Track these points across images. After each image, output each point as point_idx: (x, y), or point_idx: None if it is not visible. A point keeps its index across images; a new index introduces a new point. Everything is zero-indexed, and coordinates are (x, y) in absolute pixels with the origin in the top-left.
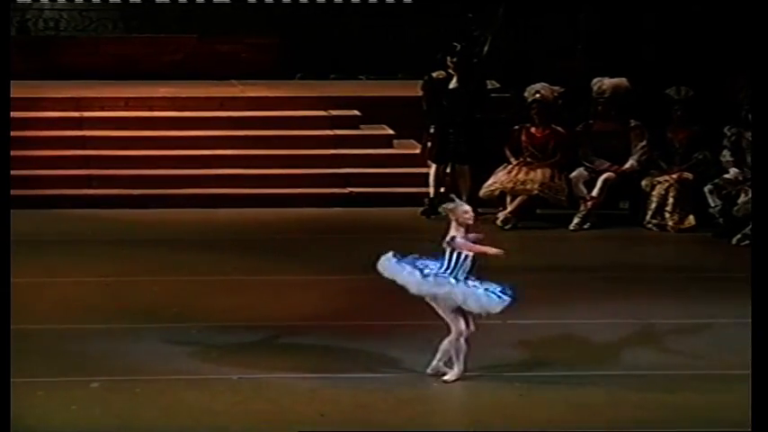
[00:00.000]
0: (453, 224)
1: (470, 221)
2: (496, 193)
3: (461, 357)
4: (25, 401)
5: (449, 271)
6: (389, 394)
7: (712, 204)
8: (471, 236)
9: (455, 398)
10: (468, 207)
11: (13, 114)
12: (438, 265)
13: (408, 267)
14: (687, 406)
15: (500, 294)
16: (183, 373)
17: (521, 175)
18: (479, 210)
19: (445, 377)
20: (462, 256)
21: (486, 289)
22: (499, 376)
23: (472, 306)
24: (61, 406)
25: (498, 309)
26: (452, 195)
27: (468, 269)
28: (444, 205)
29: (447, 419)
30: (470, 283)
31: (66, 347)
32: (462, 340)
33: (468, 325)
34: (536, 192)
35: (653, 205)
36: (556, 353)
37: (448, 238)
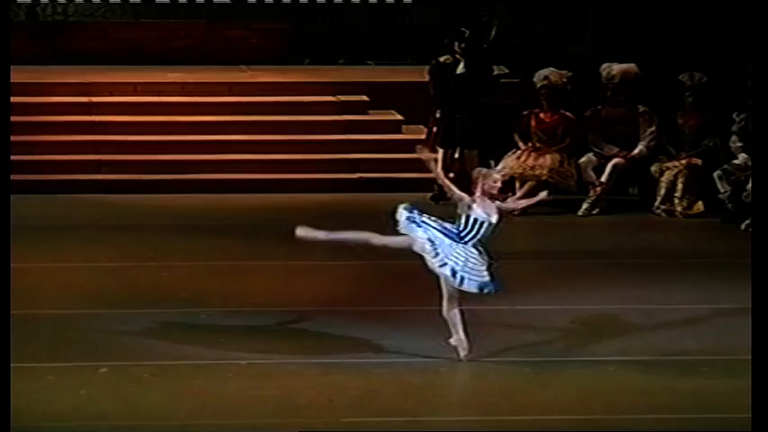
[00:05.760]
0: (478, 190)
1: (493, 191)
2: (506, 178)
3: (458, 326)
4: (34, 386)
5: (461, 231)
6: (397, 379)
7: (721, 190)
8: (505, 205)
9: (463, 382)
10: (498, 176)
11: (22, 99)
12: (455, 228)
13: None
14: (694, 391)
15: (472, 282)
16: (191, 358)
17: (530, 161)
18: None
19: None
20: (471, 220)
21: (453, 271)
22: (507, 361)
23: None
24: (70, 391)
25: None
26: (491, 161)
27: (480, 236)
28: (479, 168)
29: (455, 404)
30: (465, 252)
31: (75, 332)
32: (455, 306)
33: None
34: (545, 177)
35: (662, 191)
36: (563, 338)
37: (467, 201)
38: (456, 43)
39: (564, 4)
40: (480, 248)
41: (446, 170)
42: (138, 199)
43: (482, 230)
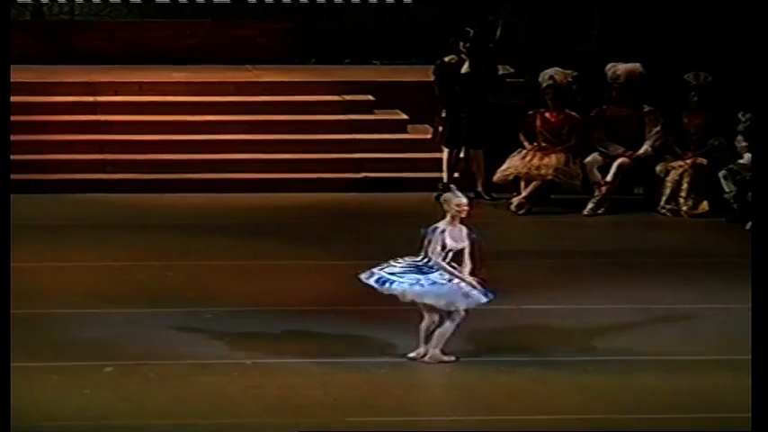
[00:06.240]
0: (448, 215)
1: (462, 215)
2: (511, 177)
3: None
4: (39, 385)
5: (425, 259)
6: (402, 379)
7: (726, 190)
8: (468, 233)
9: (468, 382)
10: (463, 200)
11: (27, 99)
12: (418, 256)
13: (374, 278)
14: (698, 391)
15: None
16: (196, 357)
17: (535, 160)
18: (494, 195)
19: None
20: (445, 251)
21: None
22: (511, 360)
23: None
24: (75, 390)
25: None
26: (452, 186)
27: (447, 260)
28: (444, 195)
29: (460, 403)
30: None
31: (80, 332)
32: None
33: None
34: (550, 177)
35: (667, 191)
36: (568, 337)
37: (431, 228)
38: (461, 43)
39: (569, 3)
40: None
41: (451, 170)
42: (143, 198)
43: (449, 256)
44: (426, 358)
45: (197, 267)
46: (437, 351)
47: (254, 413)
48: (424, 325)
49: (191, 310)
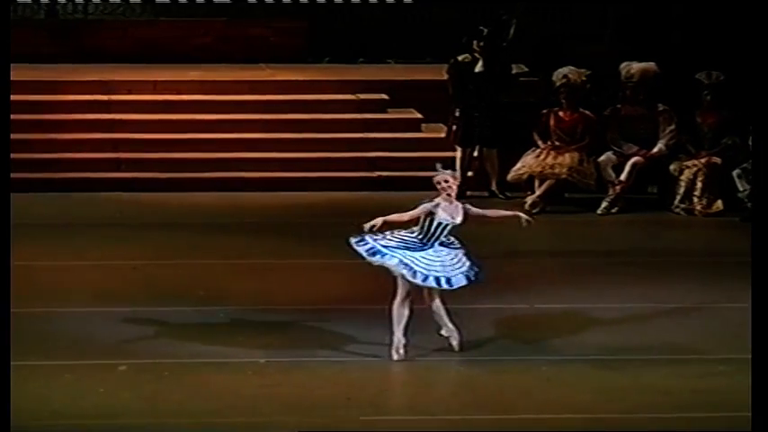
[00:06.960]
0: (443, 192)
1: (447, 191)
2: (525, 176)
3: (401, 325)
4: (53, 384)
5: (422, 237)
6: (416, 377)
7: (741, 189)
8: (463, 208)
9: (481, 380)
10: (445, 176)
11: (40, 98)
12: (415, 236)
13: (365, 246)
14: (712, 390)
15: (459, 277)
16: (210, 355)
17: (549, 159)
18: (508, 194)
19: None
20: (435, 224)
21: (437, 280)
22: (526, 360)
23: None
24: (89, 389)
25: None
26: (438, 164)
27: (443, 237)
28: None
29: (473, 402)
30: (435, 254)
31: (94, 330)
32: (406, 306)
33: (429, 296)
34: (564, 176)
35: (681, 190)
36: (582, 336)
37: (430, 206)
38: (475, 42)
39: (583, 2)
40: (446, 242)
41: (465, 169)
42: (156, 197)
43: (445, 232)
44: (442, 332)
45: (210, 266)
46: (449, 325)
47: (268, 411)
48: (433, 306)
49: (204, 309)
